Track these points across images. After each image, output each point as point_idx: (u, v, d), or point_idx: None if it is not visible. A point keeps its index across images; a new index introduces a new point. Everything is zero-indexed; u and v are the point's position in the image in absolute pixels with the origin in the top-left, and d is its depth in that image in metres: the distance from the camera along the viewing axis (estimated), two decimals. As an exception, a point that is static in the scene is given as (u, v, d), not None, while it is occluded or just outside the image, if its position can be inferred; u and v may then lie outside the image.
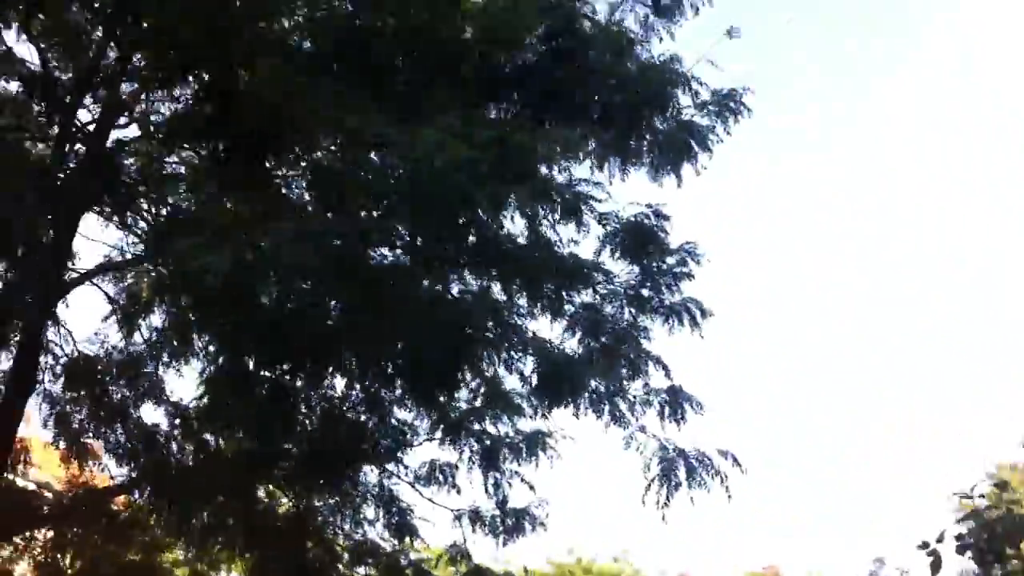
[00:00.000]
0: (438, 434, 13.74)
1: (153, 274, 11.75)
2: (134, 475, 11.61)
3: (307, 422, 12.50)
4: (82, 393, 11.62)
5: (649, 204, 11.48)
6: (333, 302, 9.20)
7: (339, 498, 13.78)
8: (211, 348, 10.23)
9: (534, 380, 11.02)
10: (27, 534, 12.43)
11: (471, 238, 10.57)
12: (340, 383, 11.46)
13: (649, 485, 10.14)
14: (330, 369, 10.31)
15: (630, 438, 10.92)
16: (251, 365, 9.90)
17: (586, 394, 10.97)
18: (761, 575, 42.12)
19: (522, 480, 13.26)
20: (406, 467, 13.51)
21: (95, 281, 11.68)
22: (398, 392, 11.80)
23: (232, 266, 7.88)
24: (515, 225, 10.93)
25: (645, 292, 12.03)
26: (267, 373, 10.12)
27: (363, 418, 12.18)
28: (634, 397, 11.01)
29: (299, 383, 11.19)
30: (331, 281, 8.91)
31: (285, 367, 10.03)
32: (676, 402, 10.90)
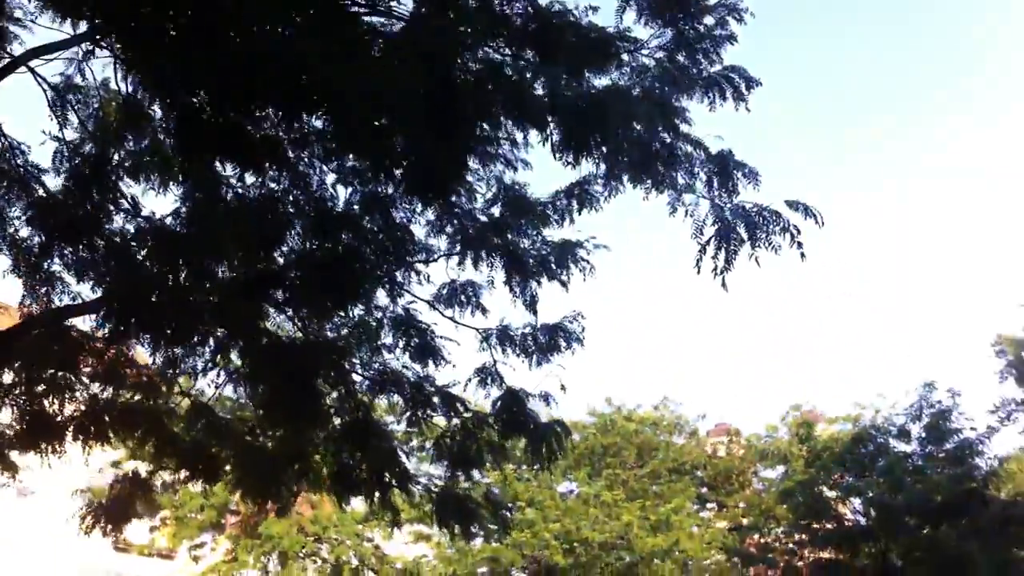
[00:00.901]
0: (457, 248, 12.28)
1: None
2: (101, 295, 10.11)
3: (303, 236, 10.97)
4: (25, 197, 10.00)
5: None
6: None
7: (351, 322, 12.35)
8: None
9: (554, 135, 9.20)
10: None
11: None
12: (331, 179, 9.82)
13: (704, 248, 8.48)
14: (305, 116, 8.50)
15: (676, 200, 9.24)
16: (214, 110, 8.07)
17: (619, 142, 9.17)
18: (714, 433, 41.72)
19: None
20: (421, 278, 12.03)
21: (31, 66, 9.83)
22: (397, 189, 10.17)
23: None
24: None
25: (681, 59, 10.13)
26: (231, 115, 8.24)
27: (365, 221, 10.54)
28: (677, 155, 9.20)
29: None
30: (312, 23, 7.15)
31: (257, 108, 8.23)
32: (726, 170, 9.12)
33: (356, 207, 10.52)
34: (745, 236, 8.23)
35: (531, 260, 12.06)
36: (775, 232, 8.15)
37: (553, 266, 12.11)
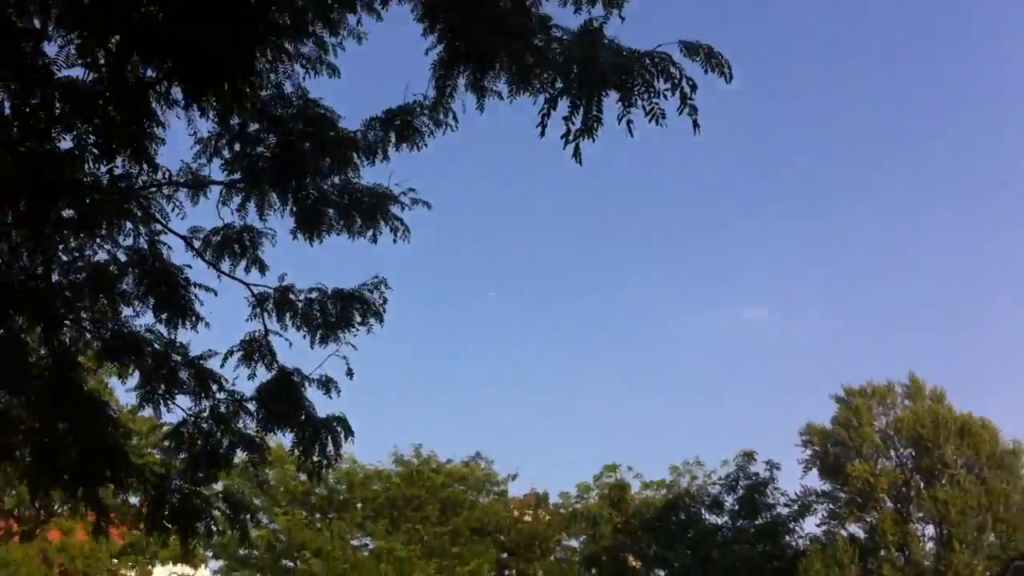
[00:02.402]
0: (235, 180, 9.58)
1: None
2: None
3: None
4: None
5: None
6: None
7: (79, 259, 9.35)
8: None
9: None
10: None
11: None
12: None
13: (552, 101, 5.97)
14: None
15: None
16: None
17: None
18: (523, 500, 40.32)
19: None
20: (179, 208, 9.16)
21: None
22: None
23: None
24: None
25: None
26: None
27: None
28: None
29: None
30: None
31: None
32: None
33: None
34: (615, 87, 5.96)
35: (329, 208, 9.53)
36: (659, 85, 5.98)
37: (358, 219, 9.63)
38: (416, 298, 69.78)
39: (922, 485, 35.24)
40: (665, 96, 5.94)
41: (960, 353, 64.92)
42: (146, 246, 9.18)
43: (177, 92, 7.15)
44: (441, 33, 7.02)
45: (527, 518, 40.53)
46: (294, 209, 9.50)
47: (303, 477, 32.34)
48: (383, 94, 8.94)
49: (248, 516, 11.81)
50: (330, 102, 8.69)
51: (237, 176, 9.38)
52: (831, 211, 73.43)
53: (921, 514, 35.18)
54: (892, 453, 36.10)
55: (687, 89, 5.99)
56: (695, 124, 6.07)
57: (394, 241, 9.48)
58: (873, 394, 37.26)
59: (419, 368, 73.27)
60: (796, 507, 29.53)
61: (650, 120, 5.83)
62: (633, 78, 5.80)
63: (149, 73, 7.56)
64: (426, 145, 8.82)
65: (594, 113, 5.79)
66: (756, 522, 28.94)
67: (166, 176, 8.75)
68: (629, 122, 5.82)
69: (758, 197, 76.68)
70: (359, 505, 36.77)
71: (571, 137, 5.79)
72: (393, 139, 9.02)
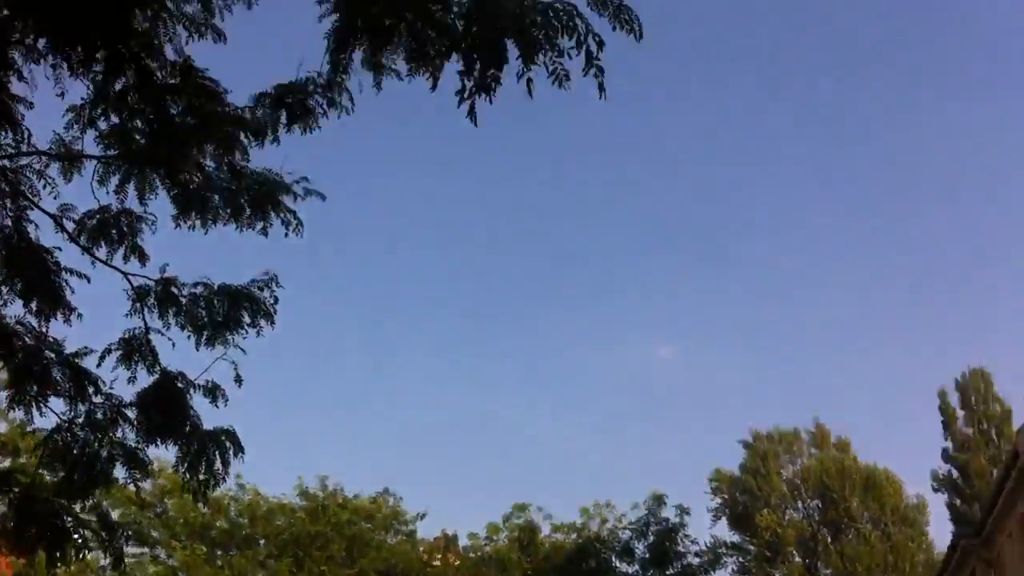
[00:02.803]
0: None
1: None
2: None
3: None
4: None
5: None
6: None
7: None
8: None
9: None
10: None
11: None
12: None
13: (441, 53, 5.63)
14: None
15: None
16: None
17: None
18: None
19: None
20: (48, 185, 8.54)
21: None
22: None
23: None
24: None
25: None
26: None
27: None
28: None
29: None
30: None
31: None
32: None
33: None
34: (514, 36, 5.47)
35: (214, 194, 8.96)
36: (564, 43, 5.60)
37: (246, 208, 9.09)
38: (317, 299, 66.98)
39: (829, 539, 35.49)
40: (569, 56, 5.60)
41: (864, 397, 66.10)
42: (10, 223, 8.50)
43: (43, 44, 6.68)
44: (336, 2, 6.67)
45: (436, 562, 39.52)
46: (174, 192, 8.96)
47: (205, 508, 31.33)
48: (274, 71, 8.47)
49: (124, 538, 11.05)
50: (215, 75, 8.14)
51: (113, 152, 8.81)
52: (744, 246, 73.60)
53: (828, 570, 35.38)
54: (799, 504, 36.44)
55: (593, 47, 5.60)
56: (601, 88, 5.69)
57: (285, 235, 8.97)
58: (780, 440, 37.68)
59: (322, 384, 70.27)
60: (707, 558, 29.30)
61: (553, 82, 5.51)
62: (534, 27, 5.43)
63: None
64: (319, 127, 8.29)
65: (492, 71, 5.44)
66: (667, 572, 28.59)
67: (33, 145, 8.14)
68: (529, 81, 5.48)
69: (669, 231, 76.41)
70: (262, 541, 35.44)
71: (465, 95, 5.44)
72: (284, 119, 8.41)
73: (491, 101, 5.56)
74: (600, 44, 5.69)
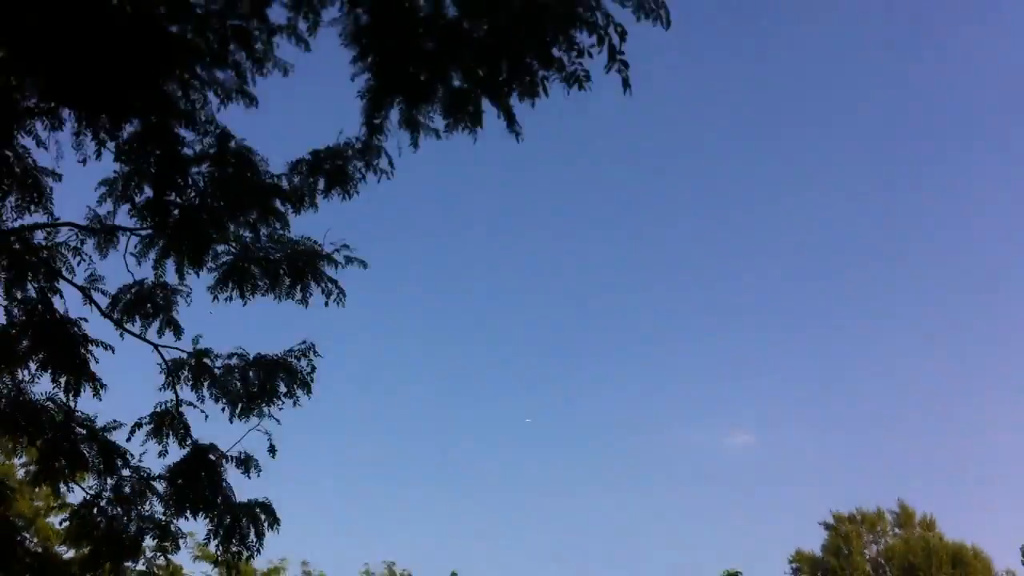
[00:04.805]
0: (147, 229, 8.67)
1: None
2: None
3: None
4: None
5: None
6: None
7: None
8: None
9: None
10: None
11: None
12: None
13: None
14: None
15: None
16: None
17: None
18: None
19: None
20: (79, 257, 8.26)
21: None
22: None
23: None
24: None
25: None
26: None
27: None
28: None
29: None
30: None
31: None
32: None
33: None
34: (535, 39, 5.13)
35: (253, 266, 8.70)
36: (585, 33, 5.08)
37: (285, 279, 8.80)
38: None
39: (916, 618, 34.63)
40: (590, 54, 5.22)
41: (950, 477, 64.51)
42: (35, 294, 8.23)
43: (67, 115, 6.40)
44: (371, 61, 6.35)
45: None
46: (212, 266, 8.70)
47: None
48: (304, 135, 8.22)
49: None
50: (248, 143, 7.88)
51: (148, 228, 8.52)
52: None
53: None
54: (884, 583, 35.73)
55: (615, 39, 5.16)
56: (625, 83, 5.24)
57: (325, 304, 8.66)
58: (862, 521, 36.97)
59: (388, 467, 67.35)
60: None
61: (571, 84, 5.16)
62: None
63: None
64: (358, 193, 8.02)
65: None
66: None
67: (58, 217, 7.87)
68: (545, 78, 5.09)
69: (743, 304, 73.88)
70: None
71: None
72: (322, 185, 8.18)
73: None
74: (623, 35, 5.29)
